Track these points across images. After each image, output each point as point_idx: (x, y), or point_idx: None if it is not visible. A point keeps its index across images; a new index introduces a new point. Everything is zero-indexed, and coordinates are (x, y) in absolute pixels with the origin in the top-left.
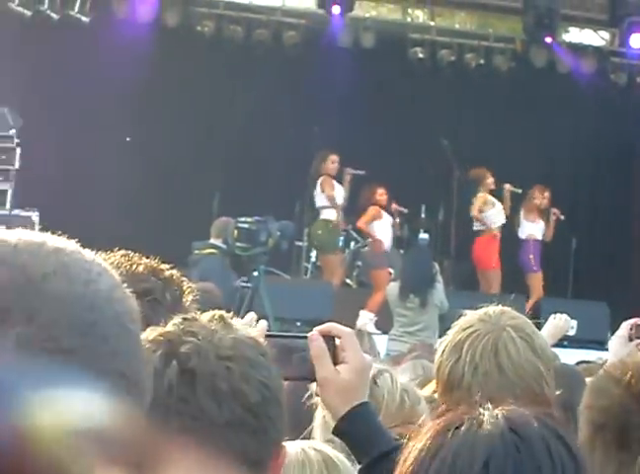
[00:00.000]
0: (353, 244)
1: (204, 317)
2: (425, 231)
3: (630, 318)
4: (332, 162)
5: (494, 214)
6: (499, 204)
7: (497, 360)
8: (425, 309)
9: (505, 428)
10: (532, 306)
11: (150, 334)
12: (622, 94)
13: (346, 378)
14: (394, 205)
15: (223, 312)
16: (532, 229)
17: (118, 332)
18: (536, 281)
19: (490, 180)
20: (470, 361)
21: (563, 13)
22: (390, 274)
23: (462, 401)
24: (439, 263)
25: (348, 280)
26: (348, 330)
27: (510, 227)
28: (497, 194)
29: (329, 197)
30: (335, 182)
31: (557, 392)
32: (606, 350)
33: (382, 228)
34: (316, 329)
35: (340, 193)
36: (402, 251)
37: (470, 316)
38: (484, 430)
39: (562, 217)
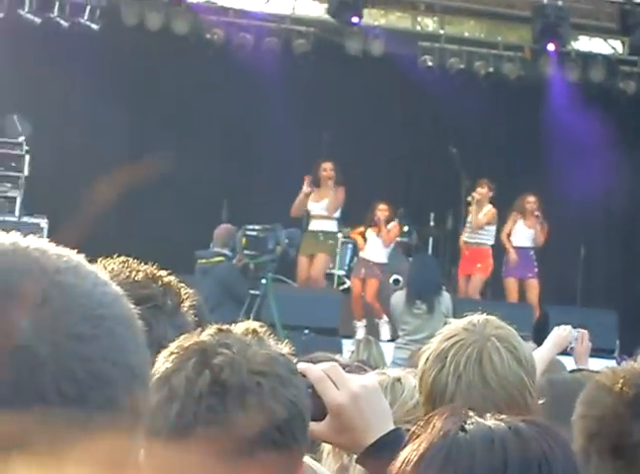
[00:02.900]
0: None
1: (238, 329)
2: (434, 239)
3: (638, 326)
4: (323, 170)
5: (493, 231)
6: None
7: (481, 371)
8: (432, 316)
9: (504, 433)
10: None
11: (184, 341)
12: (631, 102)
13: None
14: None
15: (257, 325)
16: (529, 234)
17: (124, 329)
18: (537, 288)
19: (490, 194)
20: (454, 371)
21: (573, 21)
22: (361, 280)
23: (453, 409)
24: (447, 270)
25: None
26: (317, 372)
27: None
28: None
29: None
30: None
31: (540, 401)
32: (614, 358)
33: (368, 240)
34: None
35: (317, 204)
36: (410, 258)
37: (454, 325)
38: (478, 436)
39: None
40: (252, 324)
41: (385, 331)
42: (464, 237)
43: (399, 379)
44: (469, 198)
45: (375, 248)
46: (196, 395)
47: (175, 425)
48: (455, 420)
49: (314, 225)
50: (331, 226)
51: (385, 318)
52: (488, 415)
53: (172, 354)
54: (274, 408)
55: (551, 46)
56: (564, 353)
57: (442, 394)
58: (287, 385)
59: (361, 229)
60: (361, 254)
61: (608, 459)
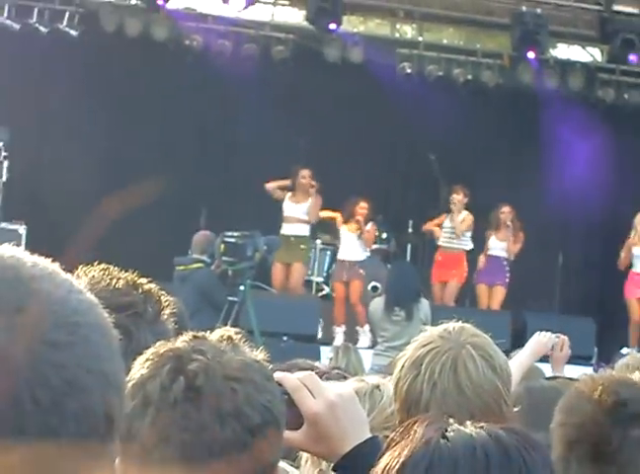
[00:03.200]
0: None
1: (214, 336)
2: (412, 246)
3: (615, 334)
4: (302, 177)
5: (469, 236)
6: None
7: (456, 379)
8: (410, 323)
9: (485, 440)
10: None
11: (159, 348)
12: (609, 110)
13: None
14: (370, 228)
15: (232, 332)
16: (502, 246)
17: (99, 337)
18: (502, 296)
19: (465, 200)
20: (429, 379)
21: (551, 29)
22: (344, 284)
23: (432, 417)
24: (426, 277)
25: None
26: (293, 381)
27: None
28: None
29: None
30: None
31: (515, 409)
32: (591, 365)
33: (344, 242)
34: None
35: (296, 207)
36: (389, 265)
37: (430, 332)
38: (460, 443)
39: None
40: (227, 331)
41: (364, 339)
42: (441, 242)
43: (378, 386)
44: (452, 206)
45: (354, 248)
46: (170, 401)
47: (150, 431)
48: (436, 427)
49: (287, 229)
50: (304, 230)
51: (367, 326)
52: (468, 422)
53: (147, 360)
54: (248, 414)
55: (531, 54)
56: (541, 359)
57: (417, 402)
58: (262, 391)
59: (338, 215)
60: (340, 256)
61: (588, 466)
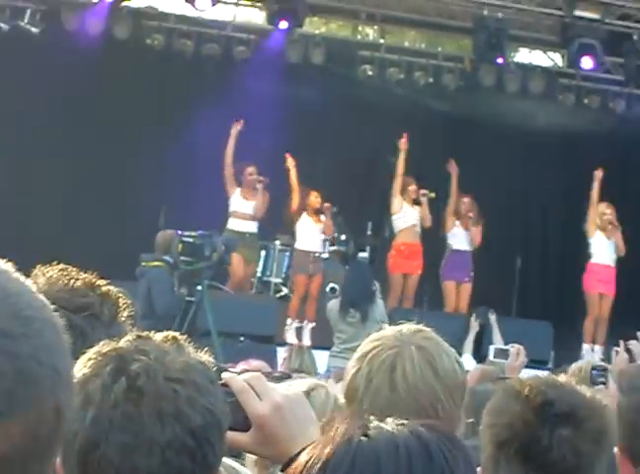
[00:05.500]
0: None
1: (158, 337)
2: (371, 248)
3: (573, 338)
4: (249, 174)
5: (394, 220)
6: (403, 211)
7: (391, 377)
8: (365, 324)
9: (407, 438)
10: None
11: (103, 347)
12: (570, 114)
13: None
14: (326, 204)
15: (177, 334)
16: (466, 235)
17: (52, 333)
18: (469, 293)
19: (411, 187)
20: (367, 374)
21: (513, 34)
22: (309, 277)
23: (355, 413)
24: (384, 279)
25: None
26: (240, 383)
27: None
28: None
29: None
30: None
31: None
32: (548, 369)
33: (305, 233)
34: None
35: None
36: (347, 267)
37: (387, 330)
38: (382, 441)
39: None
40: (172, 333)
41: (307, 335)
42: (403, 227)
43: (309, 393)
44: (422, 197)
45: (316, 238)
46: (111, 401)
47: (90, 431)
48: (358, 425)
49: (239, 225)
50: (254, 227)
51: (313, 323)
52: (389, 419)
53: (89, 359)
54: (189, 415)
55: (500, 59)
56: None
57: (355, 396)
58: (204, 393)
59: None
60: (301, 246)
61: (518, 465)
